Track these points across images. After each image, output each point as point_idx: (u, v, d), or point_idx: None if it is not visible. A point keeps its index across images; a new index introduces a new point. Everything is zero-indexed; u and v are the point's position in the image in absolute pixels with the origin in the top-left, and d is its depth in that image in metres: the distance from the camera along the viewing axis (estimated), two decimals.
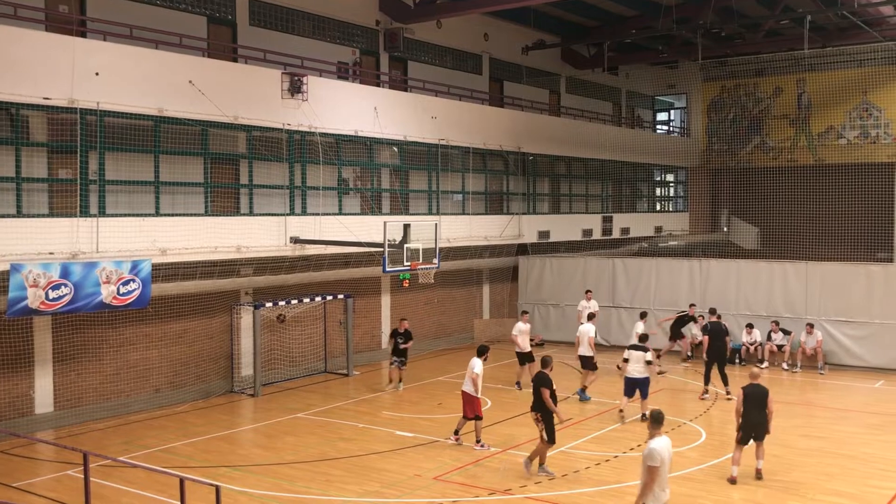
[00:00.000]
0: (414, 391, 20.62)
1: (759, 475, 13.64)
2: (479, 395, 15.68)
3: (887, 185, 34.09)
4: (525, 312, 22.24)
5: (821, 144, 36.46)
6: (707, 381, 19.69)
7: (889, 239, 34.03)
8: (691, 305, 24.11)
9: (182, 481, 10.44)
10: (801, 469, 14.27)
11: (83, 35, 17.05)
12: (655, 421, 9.97)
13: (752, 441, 13.66)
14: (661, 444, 9.64)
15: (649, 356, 17.47)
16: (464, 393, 15.81)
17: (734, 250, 36.42)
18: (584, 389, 19.50)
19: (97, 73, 16.15)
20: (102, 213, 16.43)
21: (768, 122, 37.91)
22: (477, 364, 15.70)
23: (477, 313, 28.96)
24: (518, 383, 20.74)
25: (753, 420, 13.54)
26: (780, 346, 23.31)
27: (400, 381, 20.81)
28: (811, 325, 22.95)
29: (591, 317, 20.95)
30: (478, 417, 15.67)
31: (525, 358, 20.76)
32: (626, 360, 17.60)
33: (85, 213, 16.11)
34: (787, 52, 33.59)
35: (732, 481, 13.45)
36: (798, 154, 37.03)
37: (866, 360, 22.78)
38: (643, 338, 18.62)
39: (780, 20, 30.08)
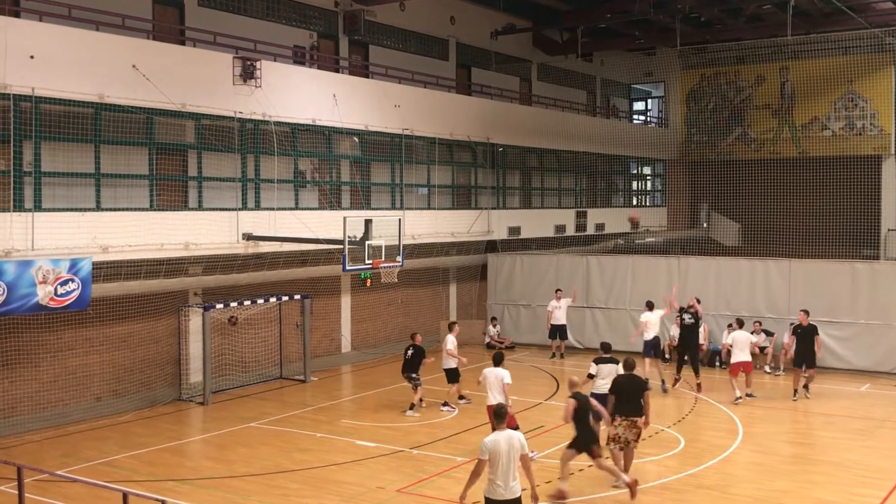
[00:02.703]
0: (375, 398, 20.58)
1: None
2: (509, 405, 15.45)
3: (873, 178, 34.71)
4: (454, 323, 20.41)
5: (805, 136, 36.96)
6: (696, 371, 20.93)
7: (875, 234, 34.66)
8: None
9: (125, 496, 10.31)
10: (786, 477, 14.44)
11: (17, 15, 16.82)
12: (496, 416, 10.55)
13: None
14: (498, 438, 10.18)
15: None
16: (489, 407, 15.39)
17: (714, 247, 36.85)
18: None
19: (32, 57, 15.89)
20: (38, 207, 16.18)
21: (750, 112, 38.35)
22: (506, 374, 15.33)
23: (443, 314, 28.97)
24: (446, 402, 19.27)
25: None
26: (762, 348, 23.54)
27: (421, 401, 19.23)
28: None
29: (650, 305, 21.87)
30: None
31: (454, 375, 19.28)
32: (591, 377, 16.02)
33: (19, 207, 15.86)
34: (770, 38, 33.97)
35: None
36: (781, 146, 37.52)
37: (851, 362, 23.06)
38: (606, 347, 16.82)
39: (762, 5, 30.43)
